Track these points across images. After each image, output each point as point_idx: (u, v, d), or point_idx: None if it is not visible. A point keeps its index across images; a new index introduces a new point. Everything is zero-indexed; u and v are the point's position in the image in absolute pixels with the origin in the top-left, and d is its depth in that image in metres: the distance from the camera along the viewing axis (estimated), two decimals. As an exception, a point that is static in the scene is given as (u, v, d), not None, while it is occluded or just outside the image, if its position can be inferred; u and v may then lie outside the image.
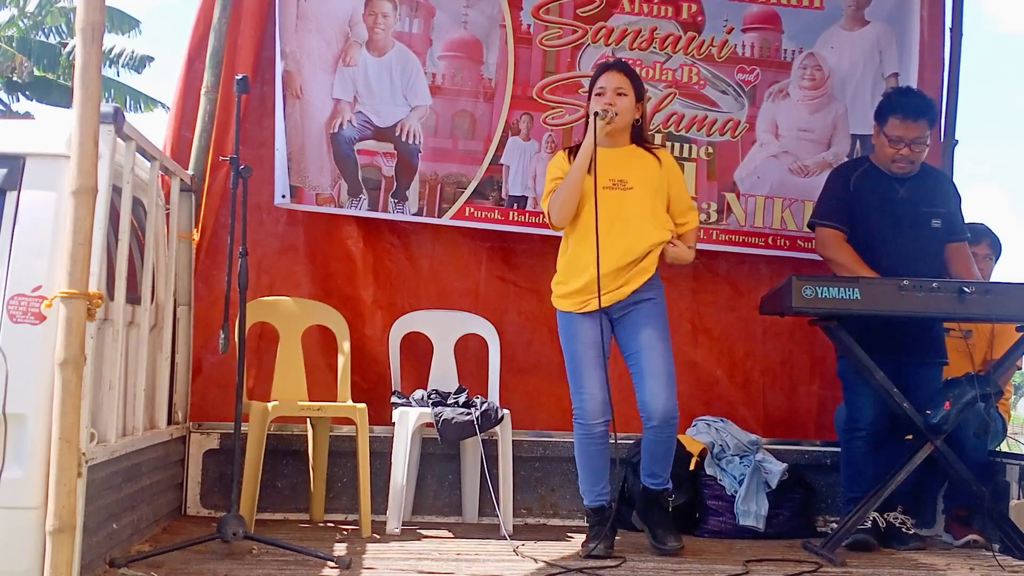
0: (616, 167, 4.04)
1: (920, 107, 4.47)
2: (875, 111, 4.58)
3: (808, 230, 4.86)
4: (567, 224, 4.06)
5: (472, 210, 4.99)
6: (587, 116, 4.09)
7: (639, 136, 4.17)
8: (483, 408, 4.43)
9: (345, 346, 4.68)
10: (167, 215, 4.31)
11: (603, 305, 3.95)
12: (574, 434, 4.08)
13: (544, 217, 4.18)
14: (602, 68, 4.18)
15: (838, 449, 4.67)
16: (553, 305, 4.15)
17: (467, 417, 4.39)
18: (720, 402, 5.15)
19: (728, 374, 5.25)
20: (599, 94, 4.05)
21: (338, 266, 5.04)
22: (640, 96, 4.13)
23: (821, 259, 4.71)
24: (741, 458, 4.69)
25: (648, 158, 4.13)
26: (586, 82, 4.99)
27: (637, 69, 5.02)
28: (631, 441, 4.67)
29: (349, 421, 4.39)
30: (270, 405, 4.26)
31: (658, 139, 5.08)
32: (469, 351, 4.95)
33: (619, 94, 4.04)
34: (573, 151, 4.10)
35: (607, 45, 5.11)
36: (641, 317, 4.04)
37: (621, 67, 4.16)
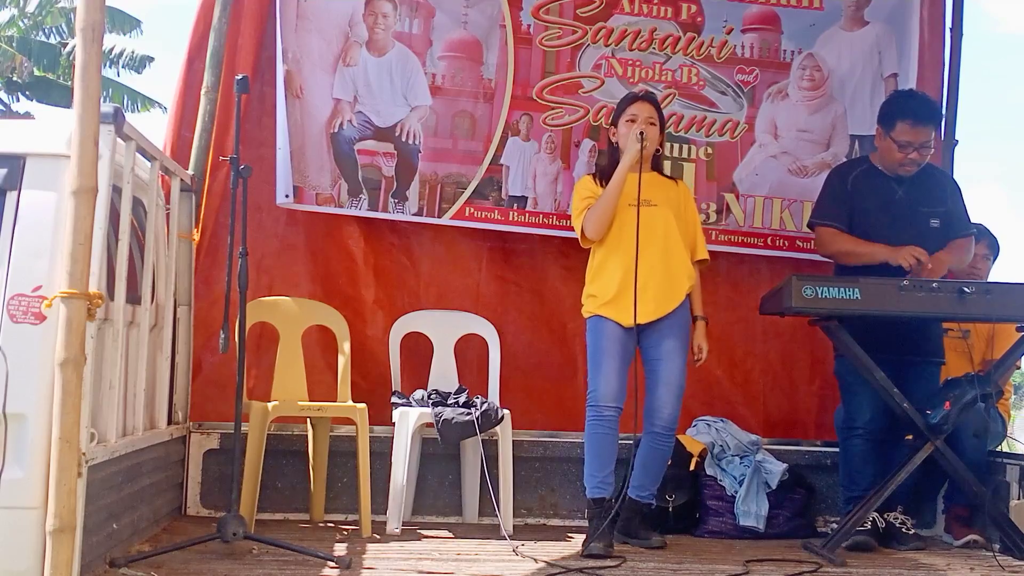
0: (640, 188, 4.18)
1: (929, 112, 4.51)
2: (880, 115, 4.56)
3: (807, 230, 4.87)
4: (600, 239, 4.22)
5: (472, 210, 4.99)
6: (609, 142, 4.34)
7: (658, 164, 4.39)
8: (483, 408, 4.43)
9: (345, 346, 4.68)
10: (167, 215, 4.31)
11: (634, 323, 4.14)
12: (586, 418, 4.18)
13: (573, 229, 4.34)
14: (633, 98, 4.34)
15: (838, 449, 4.67)
16: (583, 315, 4.29)
17: (467, 417, 4.39)
18: (720, 402, 5.15)
19: (728, 374, 5.24)
20: (631, 120, 4.23)
21: (338, 266, 5.04)
22: (663, 127, 4.38)
23: (821, 258, 4.72)
24: (741, 458, 4.69)
25: (667, 182, 4.37)
26: (586, 82, 5.04)
27: (636, 69, 5.06)
28: (632, 442, 4.67)
29: (349, 421, 4.39)
30: (270, 405, 4.26)
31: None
32: (469, 351, 4.95)
33: (651, 123, 4.24)
34: (596, 175, 4.33)
35: (607, 46, 5.10)
36: (668, 328, 4.22)
37: (651, 99, 4.39)
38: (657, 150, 4.33)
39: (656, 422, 4.16)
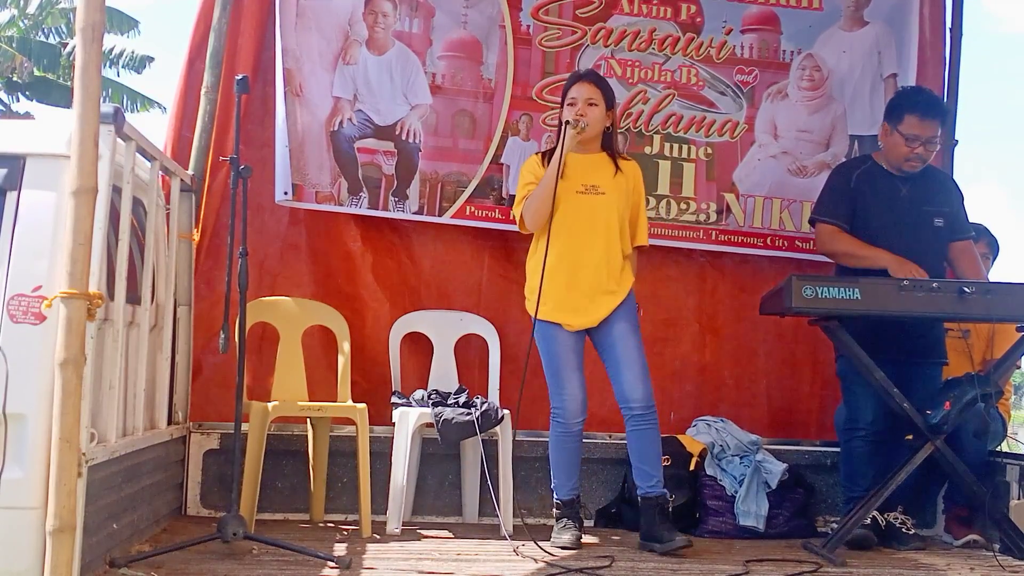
0: (588, 172, 4.19)
1: (936, 106, 4.53)
2: (887, 110, 4.57)
3: (807, 229, 4.87)
4: (540, 228, 4.18)
5: (473, 209, 4.99)
6: (560, 124, 4.24)
7: (609, 144, 4.30)
8: (483, 408, 4.43)
9: (345, 346, 4.68)
10: (167, 215, 4.31)
11: (584, 327, 4.19)
12: (551, 432, 4.25)
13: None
14: (573, 79, 4.30)
15: (838, 449, 4.67)
16: (527, 310, 4.27)
17: (467, 417, 4.39)
18: (722, 402, 5.15)
19: (731, 374, 5.24)
20: (571, 104, 4.18)
21: (339, 266, 5.04)
22: (611, 105, 4.27)
23: (825, 259, 4.71)
24: (741, 458, 4.69)
25: (621, 164, 4.28)
26: (586, 82, 5.02)
27: (636, 70, 5.06)
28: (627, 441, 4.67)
29: (349, 421, 4.39)
30: (270, 405, 4.26)
31: (657, 140, 5.10)
32: (469, 351, 4.95)
33: (590, 104, 4.18)
34: (546, 155, 4.25)
35: (606, 46, 5.10)
36: (616, 314, 4.20)
37: (592, 78, 4.29)
38: (607, 128, 4.25)
39: (632, 404, 4.12)
